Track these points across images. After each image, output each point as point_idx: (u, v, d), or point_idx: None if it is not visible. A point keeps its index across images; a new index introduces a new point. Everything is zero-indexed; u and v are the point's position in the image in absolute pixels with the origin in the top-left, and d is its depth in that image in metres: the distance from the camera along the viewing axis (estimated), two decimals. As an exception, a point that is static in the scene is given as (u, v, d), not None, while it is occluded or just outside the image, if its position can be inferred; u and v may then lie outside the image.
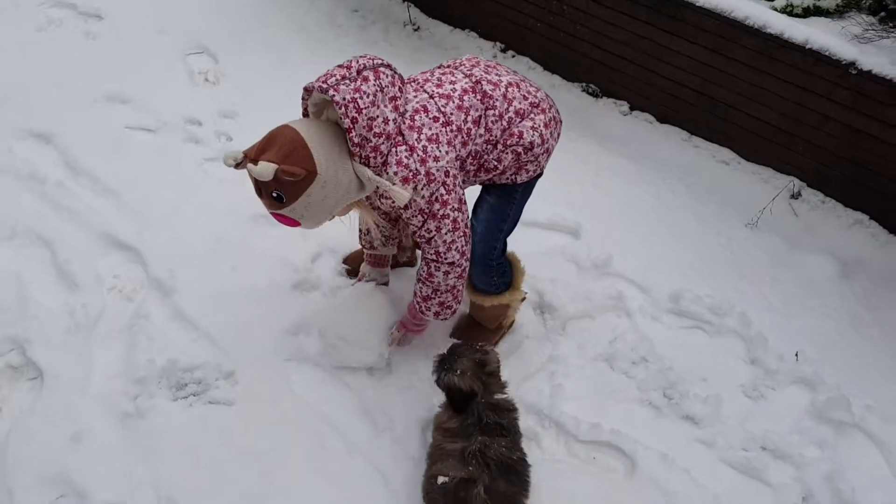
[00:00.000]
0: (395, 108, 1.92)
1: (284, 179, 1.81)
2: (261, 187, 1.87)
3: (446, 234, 2.05)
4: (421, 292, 2.20)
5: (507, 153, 2.11)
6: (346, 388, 2.37)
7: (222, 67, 3.60)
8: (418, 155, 1.93)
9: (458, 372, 2.05)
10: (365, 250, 2.48)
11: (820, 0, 3.20)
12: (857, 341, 2.71)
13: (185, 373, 2.36)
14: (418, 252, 2.70)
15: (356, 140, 1.88)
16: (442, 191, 1.98)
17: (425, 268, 2.15)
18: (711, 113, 3.34)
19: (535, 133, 2.11)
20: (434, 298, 2.19)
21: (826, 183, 3.17)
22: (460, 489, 1.91)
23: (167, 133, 3.25)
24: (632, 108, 3.62)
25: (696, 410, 2.42)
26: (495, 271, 2.34)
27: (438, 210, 2.00)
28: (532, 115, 2.11)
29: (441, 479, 1.95)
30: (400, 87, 1.95)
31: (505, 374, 2.42)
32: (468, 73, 2.07)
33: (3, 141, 3.10)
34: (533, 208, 3.02)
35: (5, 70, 3.48)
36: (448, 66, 2.12)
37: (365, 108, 1.85)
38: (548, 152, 2.20)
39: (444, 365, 2.10)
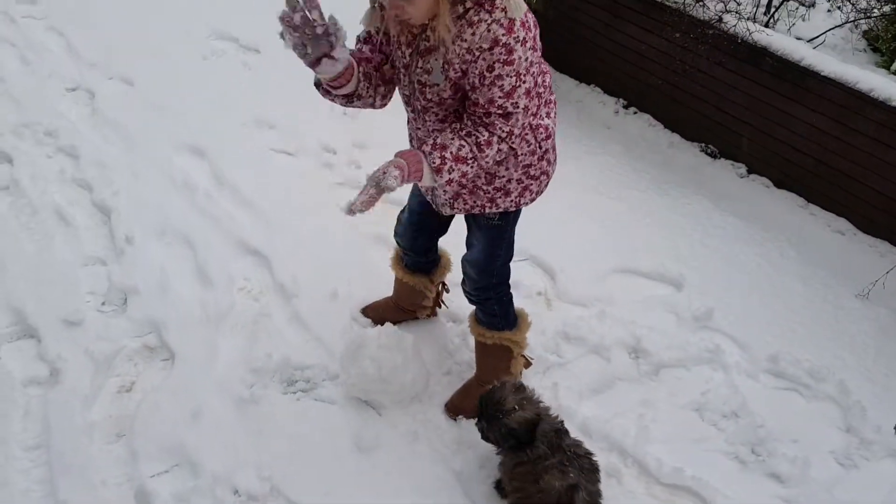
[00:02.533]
0: None
1: None
2: None
3: (530, 116, 1.86)
4: (459, 150, 1.80)
5: (532, 135, 1.97)
6: (438, 399, 2.51)
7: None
8: (530, 22, 1.73)
9: (515, 408, 2.05)
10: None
11: (953, 77, 3.17)
12: (962, 422, 2.62)
13: (297, 370, 2.57)
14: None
15: None
16: (536, 69, 1.79)
17: (485, 134, 1.80)
18: (830, 182, 3.33)
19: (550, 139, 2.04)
20: (467, 165, 1.81)
21: (946, 261, 3.09)
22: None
23: (305, 157, 3.56)
24: (749, 171, 3.65)
25: (782, 469, 2.41)
26: (494, 298, 2.32)
27: (531, 86, 1.78)
28: (552, 108, 2.05)
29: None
30: None
31: (594, 411, 2.53)
32: None
33: (165, 151, 3.50)
34: (636, 257, 3.15)
35: (174, 91, 3.92)
36: None
37: None
38: (548, 175, 2.12)
39: (495, 417, 2.08)
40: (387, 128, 3.73)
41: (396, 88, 2.00)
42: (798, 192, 3.48)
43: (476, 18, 1.68)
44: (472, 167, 1.81)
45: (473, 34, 1.69)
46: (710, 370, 2.73)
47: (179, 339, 2.65)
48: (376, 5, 1.85)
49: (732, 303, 2.97)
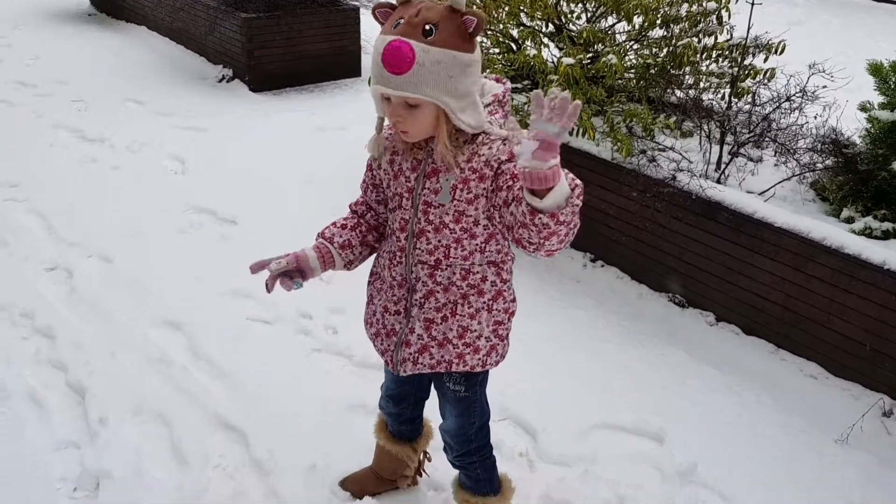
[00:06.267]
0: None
1: (459, 20, 1.71)
2: (420, 12, 1.72)
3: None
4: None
5: (508, 294, 2.11)
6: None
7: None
8: None
9: None
10: (321, 238, 2.15)
11: (899, 224, 3.34)
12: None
13: (275, 552, 2.49)
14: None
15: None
16: None
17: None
18: (796, 327, 3.41)
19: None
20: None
21: (919, 401, 3.13)
22: None
23: (281, 325, 3.60)
24: (718, 319, 3.73)
25: None
26: (477, 461, 2.30)
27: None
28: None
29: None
30: None
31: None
32: None
33: (141, 328, 3.51)
34: (616, 411, 3.15)
35: (152, 266, 4.00)
36: None
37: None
38: (508, 342, 2.18)
39: None
40: (363, 291, 3.81)
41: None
42: (767, 338, 3.55)
43: (489, 140, 1.85)
44: (577, 217, 1.67)
45: (490, 148, 1.84)
46: (700, 528, 2.68)
47: (153, 525, 2.57)
48: (386, 128, 1.99)
49: (715, 455, 2.95)
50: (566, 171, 1.65)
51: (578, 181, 1.66)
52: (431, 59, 1.70)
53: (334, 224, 2.16)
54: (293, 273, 2.05)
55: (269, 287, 2.03)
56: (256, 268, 2.03)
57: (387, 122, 1.93)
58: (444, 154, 1.83)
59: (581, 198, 1.65)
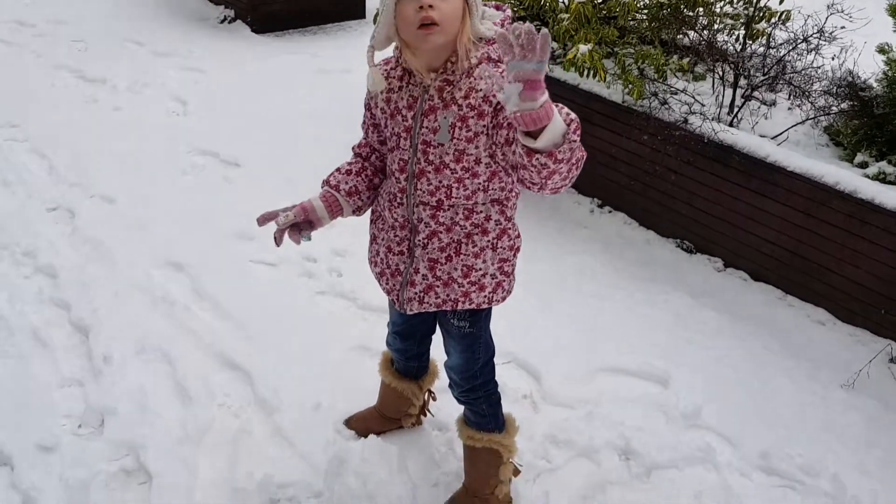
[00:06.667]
0: None
1: None
2: None
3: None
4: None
5: (513, 231, 2.05)
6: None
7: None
8: None
9: None
10: (327, 186, 2.13)
11: (914, 168, 3.28)
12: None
13: (279, 488, 2.48)
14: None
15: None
16: None
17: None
18: (805, 273, 3.38)
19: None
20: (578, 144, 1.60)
21: (927, 348, 3.11)
22: None
23: (285, 267, 3.57)
24: (726, 265, 3.70)
25: (784, 573, 2.34)
26: (483, 396, 2.29)
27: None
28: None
29: None
30: None
31: (586, 518, 2.46)
32: None
33: (144, 267, 3.49)
34: (621, 355, 3.13)
35: (154, 207, 3.97)
36: None
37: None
38: (514, 278, 2.14)
39: None
40: (367, 235, 3.78)
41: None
42: (775, 284, 3.52)
43: (487, 73, 1.76)
44: (579, 151, 1.60)
45: (487, 83, 1.77)
46: (703, 470, 2.68)
47: (157, 461, 2.56)
48: (378, 65, 1.92)
49: (720, 399, 2.95)
50: (560, 105, 1.60)
51: (574, 115, 1.60)
52: None
53: (339, 170, 2.12)
54: (302, 225, 2.03)
55: (277, 241, 2.01)
56: (263, 220, 2.00)
57: (381, 56, 1.89)
58: (468, 49, 1.78)
59: (578, 132, 1.58)
